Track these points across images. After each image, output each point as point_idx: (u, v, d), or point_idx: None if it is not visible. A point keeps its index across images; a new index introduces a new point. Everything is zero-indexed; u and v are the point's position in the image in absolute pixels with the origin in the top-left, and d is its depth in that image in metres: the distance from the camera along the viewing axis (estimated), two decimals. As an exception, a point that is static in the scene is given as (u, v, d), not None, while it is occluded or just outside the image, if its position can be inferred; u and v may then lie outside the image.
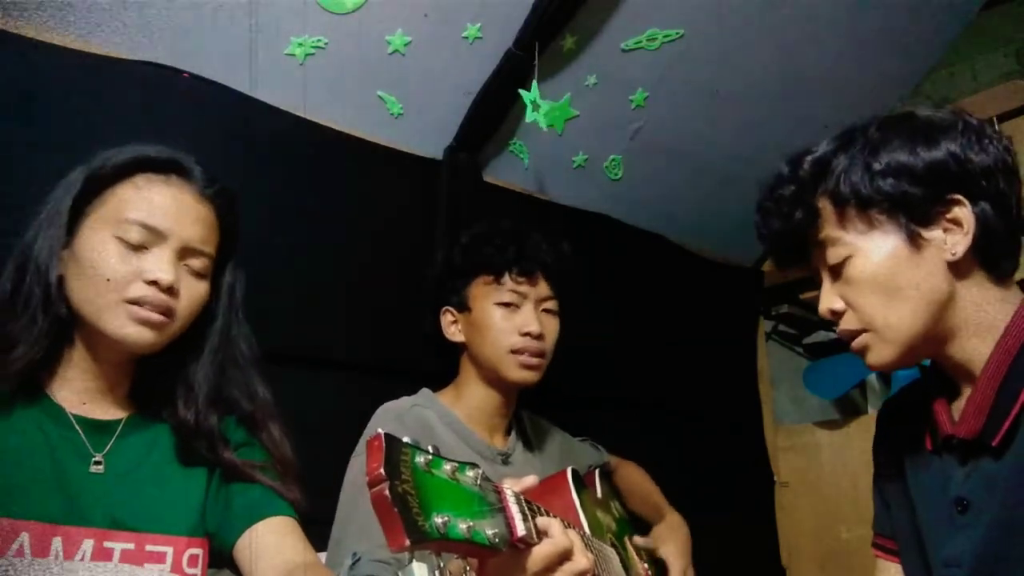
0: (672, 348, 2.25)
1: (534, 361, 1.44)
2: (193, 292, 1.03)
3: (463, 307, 1.49)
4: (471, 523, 0.77)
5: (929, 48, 2.26)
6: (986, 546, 0.92)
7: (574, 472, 1.37)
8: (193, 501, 1.03)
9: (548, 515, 0.91)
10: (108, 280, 0.96)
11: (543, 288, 1.48)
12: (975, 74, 2.31)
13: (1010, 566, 0.90)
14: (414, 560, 0.78)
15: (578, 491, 1.33)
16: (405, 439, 0.78)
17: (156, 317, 0.98)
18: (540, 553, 0.85)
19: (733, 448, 2.41)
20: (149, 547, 0.96)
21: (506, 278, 1.45)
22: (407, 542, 0.70)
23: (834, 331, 1.05)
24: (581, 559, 0.89)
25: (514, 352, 1.42)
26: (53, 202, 1.00)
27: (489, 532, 0.79)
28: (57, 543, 0.91)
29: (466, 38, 1.67)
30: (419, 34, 1.62)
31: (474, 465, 0.84)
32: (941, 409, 1.00)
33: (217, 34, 1.46)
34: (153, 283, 0.97)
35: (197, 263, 1.04)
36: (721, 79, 1.99)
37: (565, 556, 0.88)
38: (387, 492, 0.71)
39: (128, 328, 0.97)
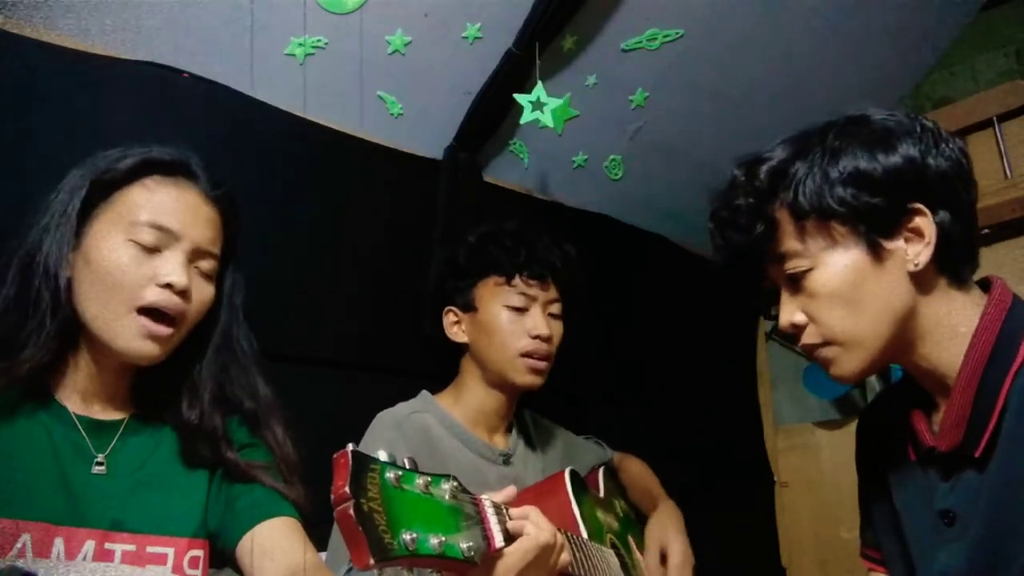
0: (672, 348, 2.25)
1: (541, 365, 1.44)
2: (202, 295, 1.04)
3: (468, 307, 1.48)
4: (443, 538, 0.76)
5: (929, 48, 2.26)
6: (975, 558, 0.91)
7: (572, 473, 1.36)
8: (195, 503, 1.03)
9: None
10: (122, 282, 0.96)
11: (551, 291, 1.48)
12: (975, 74, 2.31)
13: None
14: None
15: (576, 493, 1.33)
16: (380, 454, 0.77)
17: (164, 331, 0.98)
18: (518, 552, 0.85)
19: (733, 448, 2.41)
20: (150, 548, 0.96)
21: (516, 280, 1.45)
22: (371, 561, 0.68)
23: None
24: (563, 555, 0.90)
25: (523, 355, 1.43)
26: (59, 204, 0.99)
27: (463, 545, 0.78)
28: (59, 544, 0.91)
29: (466, 38, 1.67)
30: (419, 34, 1.62)
31: (449, 477, 0.83)
32: (920, 420, 0.99)
33: (217, 34, 1.45)
34: (167, 286, 0.98)
35: (206, 265, 1.04)
36: (721, 79, 1.99)
37: (547, 550, 0.87)
38: (351, 511, 0.69)
39: (137, 343, 0.97)
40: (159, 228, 0.99)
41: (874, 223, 0.92)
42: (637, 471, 1.69)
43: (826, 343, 0.97)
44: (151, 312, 0.97)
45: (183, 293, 0.99)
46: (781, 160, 0.97)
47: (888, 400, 1.12)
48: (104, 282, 0.96)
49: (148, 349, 0.98)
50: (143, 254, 0.98)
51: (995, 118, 2.03)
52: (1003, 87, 2.07)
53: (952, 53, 2.32)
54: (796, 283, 0.97)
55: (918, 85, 2.34)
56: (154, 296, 0.97)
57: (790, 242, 0.96)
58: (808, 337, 0.98)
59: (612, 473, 1.66)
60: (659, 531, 1.48)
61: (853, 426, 2.34)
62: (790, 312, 0.99)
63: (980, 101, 2.06)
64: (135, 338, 0.97)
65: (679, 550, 1.44)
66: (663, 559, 1.45)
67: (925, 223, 0.92)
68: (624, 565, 1.36)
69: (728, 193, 1.01)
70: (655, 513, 1.54)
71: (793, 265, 0.96)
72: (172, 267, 0.98)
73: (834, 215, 0.93)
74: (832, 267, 0.94)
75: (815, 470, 2.48)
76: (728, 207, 1.00)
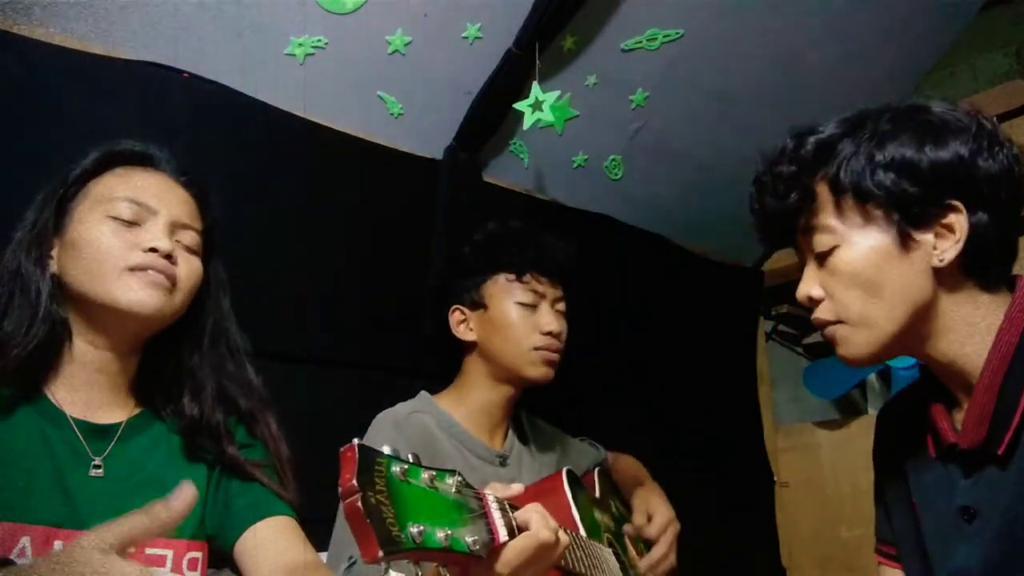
0: (672, 348, 2.25)
1: (555, 357, 1.47)
2: (190, 265, 1.05)
3: (477, 305, 1.49)
4: (449, 531, 0.76)
5: (929, 48, 2.25)
6: (994, 556, 0.90)
7: (569, 473, 1.37)
8: (193, 505, 1.03)
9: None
10: (108, 251, 0.98)
11: (558, 288, 1.51)
12: (975, 74, 2.31)
13: None
14: (391, 570, 0.77)
15: (573, 492, 1.33)
16: (384, 448, 0.77)
17: (162, 280, 1.00)
18: (516, 548, 0.84)
19: (733, 448, 2.41)
20: (149, 551, 0.96)
21: (528, 277, 1.47)
22: (380, 553, 0.69)
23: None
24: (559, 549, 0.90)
25: (536, 349, 1.45)
26: (37, 205, 1.03)
27: (469, 539, 0.78)
28: (59, 547, 0.90)
29: (466, 38, 1.67)
30: (419, 34, 1.62)
31: (454, 472, 0.83)
32: (941, 416, 0.98)
33: (217, 34, 1.46)
34: (152, 251, 0.99)
35: (188, 238, 1.06)
36: (721, 79, 1.99)
37: (545, 548, 0.87)
38: (359, 503, 0.69)
39: (138, 293, 0.98)
40: (136, 203, 1.02)
41: (907, 212, 0.92)
42: (627, 465, 1.70)
43: (838, 321, 0.97)
44: (143, 269, 0.99)
45: (169, 257, 1.01)
46: (831, 134, 0.97)
47: (908, 396, 1.11)
48: (91, 255, 0.98)
49: (152, 298, 0.99)
50: (124, 227, 1.00)
51: (995, 118, 2.03)
52: (1003, 87, 2.07)
53: (952, 53, 2.31)
54: (821, 258, 0.97)
55: (918, 85, 2.34)
56: (141, 259, 0.99)
57: (823, 216, 0.96)
58: (821, 312, 0.98)
59: (606, 474, 1.67)
60: (643, 498, 1.51)
61: (853, 426, 2.41)
62: (809, 285, 0.99)
63: (980, 101, 2.06)
64: (137, 290, 0.98)
65: (663, 511, 1.47)
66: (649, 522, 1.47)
67: (959, 221, 0.91)
68: (622, 564, 1.36)
69: (774, 160, 1.01)
70: (638, 488, 1.56)
71: (821, 239, 0.97)
72: (154, 234, 1.01)
73: (871, 197, 0.93)
74: (858, 247, 0.94)
75: (815, 470, 2.48)
76: (771, 172, 1.00)
